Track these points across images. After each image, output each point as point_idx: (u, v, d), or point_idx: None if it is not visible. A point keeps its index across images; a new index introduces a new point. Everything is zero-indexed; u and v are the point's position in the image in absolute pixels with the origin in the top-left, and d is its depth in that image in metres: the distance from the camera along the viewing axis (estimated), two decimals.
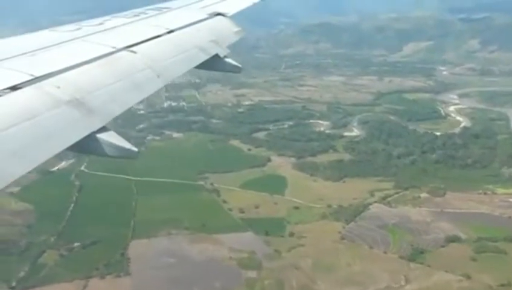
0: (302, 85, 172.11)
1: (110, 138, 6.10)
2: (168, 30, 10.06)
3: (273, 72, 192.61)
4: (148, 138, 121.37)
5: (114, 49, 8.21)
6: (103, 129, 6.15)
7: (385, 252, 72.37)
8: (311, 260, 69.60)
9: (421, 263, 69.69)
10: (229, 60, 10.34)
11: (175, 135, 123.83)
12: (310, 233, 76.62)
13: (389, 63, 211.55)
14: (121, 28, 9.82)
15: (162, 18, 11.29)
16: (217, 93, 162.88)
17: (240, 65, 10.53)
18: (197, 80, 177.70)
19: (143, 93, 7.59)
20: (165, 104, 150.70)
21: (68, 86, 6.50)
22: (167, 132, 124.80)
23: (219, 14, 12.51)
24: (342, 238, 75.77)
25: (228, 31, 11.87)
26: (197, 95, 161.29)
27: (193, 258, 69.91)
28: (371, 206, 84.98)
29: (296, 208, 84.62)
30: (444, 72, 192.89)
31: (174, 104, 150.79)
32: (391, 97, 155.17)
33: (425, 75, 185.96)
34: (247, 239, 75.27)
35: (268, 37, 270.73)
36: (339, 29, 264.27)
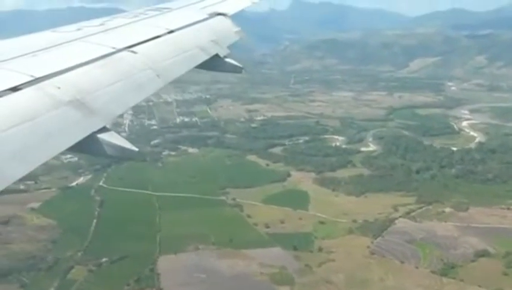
0: (313, 100, 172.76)
1: (111, 138, 6.00)
2: (168, 30, 10.01)
3: (283, 88, 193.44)
4: (164, 153, 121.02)
5: (114, 50, 8.17)
6: (104, 129, 6.06)
7: (416, 267, 71.72)
8: (343, 275, 68.91)
9: (454, 278, 69.07)
10: (229, 60, 10.18)
11: (190, 150, 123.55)
12: (338, 248, 75.94)
13: (397, 79, 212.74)
14: (121, 29, 9.77)
15: (162, 18, 11.27)
16: (229, 109, 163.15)
17: (240, 65, 10.33)
18: (208, 96, 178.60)
19: (143, 93, 7.53)
20: (178, 120, 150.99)
21: (69, 87, 6.46)
22: (182, 147, 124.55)
23: (219, 14, 12.40)
24: (372, 253, 75.12)
25: (228, 31, 11.78)
26: (209, 111, 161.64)
27: (223, 273, 69.15)
28: (396, 221, 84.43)
29: (322, 223, 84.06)
30: (453, 88, 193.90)
31: (186, 119, 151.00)
32: (403, 112, 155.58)
33: (435, 90, 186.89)
34: (275, 254, 74.55)
35: (274, 53, 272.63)
36: (345, 45, 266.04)
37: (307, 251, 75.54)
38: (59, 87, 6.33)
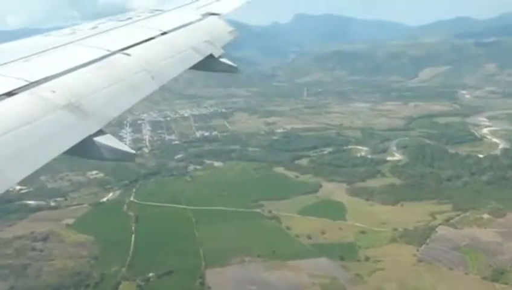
0: (329, 112, 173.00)
1: (108, 141, 6.02)
2: (161, 32, 10.04)
3: (297, 100, 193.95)
4: (190, 167, 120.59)
5: (108, 53, 8.18)
6: (100, 132, 6.08)
7: (466, 273, 71.28)
8: (395, 283, 68.44)
9: (506, 283, 68.57)
10: (224, 60, 10.12)
11: (216, 164, 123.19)
12: (385, 257, 75.49)
13: (409, 89, 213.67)
14: (114, 31, 9.78)
15: (156, 20, 11.26)
16: (247, 122, 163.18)
17: (235, 65, 10.26)
18: (223, 110, 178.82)
19: (139, 95, 7.52)
20: (198, 134, 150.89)
21: (63, 90, 6.45)
22: (208, 161, 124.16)
23: (212, 14, 12.38)
24: (419, 260, 74.67)
25: (222, 31, 11.72)
26: (227, 124, 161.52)
27: (275, 285, 68.55)
28: (437, 229, 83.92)
29: (362, 232, 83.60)
30: (467, 96, 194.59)
31: (206, 133, 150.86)
32: (422, 121, 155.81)
33: (449, 99, 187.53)
34: (323, 265, 74.01)
35: (283, 66, 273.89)
36: (352, 56, 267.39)
37: (354, 261, 75.00)
38: (54, 91, 6.31)
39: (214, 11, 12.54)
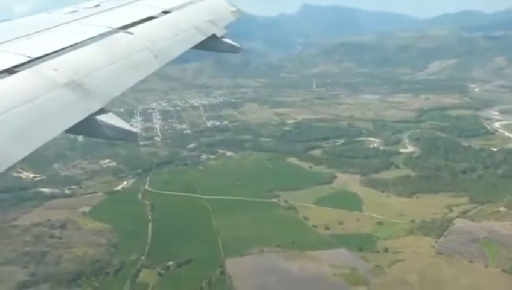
0: (339, 103, 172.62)
1: (109, 119, 5.97)
2: (164, 11, 9.98)
3: (307, 91, 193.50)
4: (203, 157, 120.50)
5: (111, 31, 8.13)
6: (102, 111, 6.03)
7: (486, 266, 71.17)
8: (415, 274, 68.36)
9: None
10: (226, 40, 10.06)
11: (229, 153, 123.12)
12: (404, 248, 75.47)
13: (418, 81, 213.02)
14: (117, 10, 9.69)
15: None
16: (257, 112, 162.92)
17: (237, 45, 10.17)
18: (233, 100, 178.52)
19: (141, 74, 7.47)
20: (208, 124, 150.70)
21: (65, 69, 6.42)
22: (220, 151, 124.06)
23: None
24: (438, 252, 74.66)
25: (225, 11, 11.67)
26: (238, 115, 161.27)
27: (296, 275, 68.51)
28: (454, 221, 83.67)
29: (380, 223, 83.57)
30: (476, 89, 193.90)
31: (217, 123, 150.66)
32: (433, 114, 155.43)
33: (459, 92, 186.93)
34: (342, 255, 73.98)
35: (290, 57, 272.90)
36: (361, 48, 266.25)
37: (373, 252, 74.99)
38: (56, 69, 6.27)
39: None
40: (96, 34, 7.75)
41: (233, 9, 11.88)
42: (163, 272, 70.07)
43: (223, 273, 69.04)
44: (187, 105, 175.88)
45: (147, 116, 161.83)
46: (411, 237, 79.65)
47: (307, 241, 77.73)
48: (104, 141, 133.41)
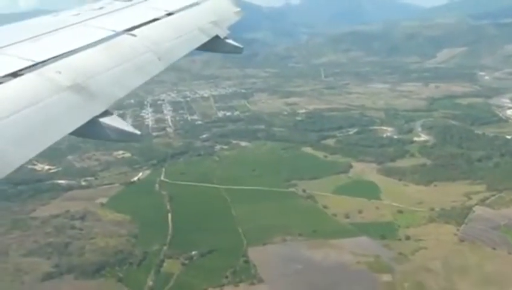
0: (349, 93, 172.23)
1: (113, 121, 6.05)
2: (167, 12, 10.05)
3: (316, 81, 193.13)
4: (217, 147, 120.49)
5: (114, 33, 8.19)
6: (106, 113, 6.10)
7: (509, 253, 71.04)
8: (439, 262, 68.37)
9: None
10: (229, 40, 10.17)
11: (242, 143, 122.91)
12: (425, 236, 75.43)
13: (427, 69, 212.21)
14: (121, 12, 9.79)
15: (162, 0, 11.23)
16: (267, 102, 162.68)
17: (241, 46, 10.30)
18: (243, 90, 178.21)
19: (145, 76, 7.54)
20: (220, 114, 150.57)
21: (69, 71, 6.48)
22: (233, 141, 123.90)
23: None
24: (461, 240, 74.58)
25: (228, 11, 11.77)
26: (248, 105, 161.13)
27: (320, 263, 68.60)
28: (474, 209, 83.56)
29: (400, 212, 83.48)
30: (486, 77, 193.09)
31: (228, 113, 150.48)
32: (444, 102, 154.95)
33: (468, 80, 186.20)
34: (364, 243, 74.01)
35: (297, 47, 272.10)
36: (368, 37, 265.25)
37: (395, 240, 74.96)
38: (60, 72, 6.32)
39: None
40: (100, 36, 7.84)
41: (237, 9, 11.99)
42: (186, 262, 70.09)
43: (247, 262, 69.11)
44: (197, 96, 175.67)
45: (157, 108, 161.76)
46: (432, 224, 79.50)
47: (328, 230, 77.77)
48: None
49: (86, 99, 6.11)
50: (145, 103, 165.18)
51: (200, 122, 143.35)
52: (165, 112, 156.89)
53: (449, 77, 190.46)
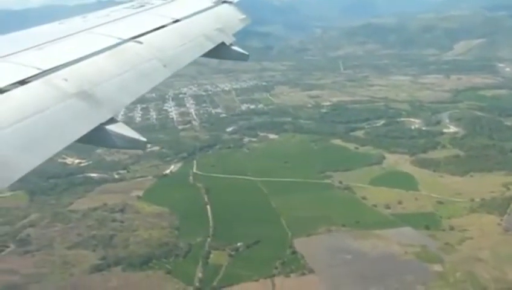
0: (371, 85, 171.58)
1: (119, 129, 6.08)
2: (173, 20, 10.07)
3: (335, 74, 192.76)
4: (245, 139, 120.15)
5: (120, 41, 8.22)
6: (112, 120, 6.13)
7: None
8: (488, 251, 68.07)
9: None
10: (235, 47, 10.23)
11: (270, 136, 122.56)
12: (470, 226, 75.08)
13: (446, 62, 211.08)
14: (126, 19, 9.84)
15: (168, 8, 11.31)
16: (290, 95, 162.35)
17: (246, 52, 10.36)
18: (264, 83, 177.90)
19: (150, 83, 7.59)
20: (243, 107, 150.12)
21: (76, 79, 6.53)
22: (261, 134, 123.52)
23: (224, 2, 12.44)
24: (506, 230, 74.27)
25: (234, 18, 11.80)
26: (270, 98, 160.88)
27: (367, 253, 68.40)
28: None
29: (440, 202, 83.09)
30: (507, 69, 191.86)
31: (252, 106, 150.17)
32: (468, 94, 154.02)
33: (489, 72, 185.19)
34: (409, 234, 73.77)
35: (312, 40, 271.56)
36: (383, 30, 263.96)
37: (439, 230, 74.67)
38: (66, 80, 6.37)
39: None
40: (106, 44, 7.89)
41: (242, 16, 11.96)
42: (233, 253, 69.96)
43: (294, 253, 68.97)
44: (218, 89, 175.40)
45: (179, 101, 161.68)
46: (474, 215, 79.13)
47: (371, 221, 77.52)
48: (145, 125, 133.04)
49: (92, 107, 6.16)
50: (167, 96, 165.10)
51: (224, 115, 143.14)
52: (187, 105, 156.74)
53: (469, 69, 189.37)
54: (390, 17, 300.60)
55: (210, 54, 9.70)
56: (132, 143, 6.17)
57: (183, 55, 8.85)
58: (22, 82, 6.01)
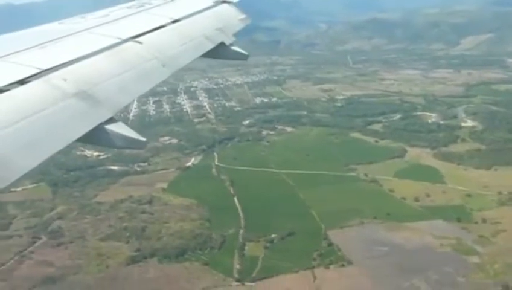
0: (382, 79, 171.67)
1: (118, 128, 6.11)
2: (172, 19, 10.11)
3: (345, 68, 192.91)
4: (263, 132, 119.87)
5: (120, 41, 8.26)
6: (111, 120, 6.15)
7: None
8: None
9: None
10: (235, 47, 10.27)
11: (288, 129, 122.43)
12: (502, 219, 74.96)
13: (455, 56, 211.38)
14: (126, 19, 9.88)
15: (167, 8, 11.35)
16: (302, 89, 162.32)
17: (246, 52, 10.42)
18: (274, 77, 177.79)
19: (150, 83, 7.63)
20: (257, 101, 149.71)
21: (75, 79, 6.57)
22: (279, 127, 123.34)
23: (224, 2, 12.49)
24: None
25: (233, 18, 11.85)
26: (283, 91, 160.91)
27: (404, 245, 68.39)
28: None
29: (468, 195, 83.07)
30: None
31: (265, 100, 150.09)
32: (481, 89, 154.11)
33: (499, 67, 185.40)
34: (441, 226, 73.76)
35: (318, 35, 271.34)
36: (389, 25, 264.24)
37: (471, 223, 74.56)
38: (65, 79, 6.40)
39: None
40: (105, 44, 7.92)
41: (242, 16, 11.97)
42: (268, 245, 69.82)
43: (330, 245, 68.88)
44: (229, 83, 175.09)
45: (191, 94, 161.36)
46: (504, 207, 79.12)
47: (401, 213, 77.53)
48: (160, 118, 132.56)
49: (91, 106, 6.17)
50: (178, 90, 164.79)
51: (239, 108, 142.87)
52: (200, 98, 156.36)
53: (478, 63, 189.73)
54: (395, 12, 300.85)
55: (210, 54, 9.71)
56: (132, 143, 6.15)
57: (182, 55, 8.87)
58: (22, 82, 6.01)
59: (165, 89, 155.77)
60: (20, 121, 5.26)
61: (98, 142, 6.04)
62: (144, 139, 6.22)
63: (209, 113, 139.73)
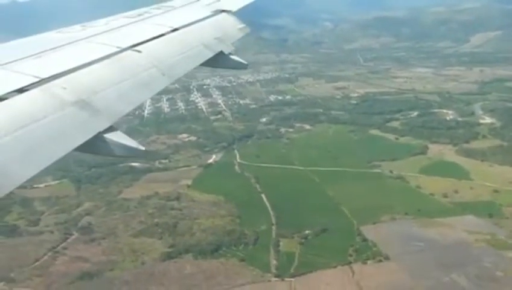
0: (395, 77, 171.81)
1: (117, 137, 6.07)
2: (172, 28, 10.16)
3: (356, 66, 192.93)
4: (282, 130, 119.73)
5: (119, 49, 8.28)
6: (110, 129, 6.13)
7: None
8: None
9: None
10: (234, 56, 10.29)
11: (306, 126, 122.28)
12: None
13: (464, 54, 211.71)
14: (125, 28, 9.89)
15: (166, 17, 11.40)
16: (315, 87, 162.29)
17: (245, 62, 10.42)
18: (286, 75, 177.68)
19: (149, 92, 7.67)
20: (271, 98, 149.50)
21: (74, 87, 6.57)
22: (297, 124, 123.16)
23: (223, 11, 12.54)
24: None
25: (232, 27, 11.91)
26: (296, 89, 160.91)
27: (438, 241, 68.28)
28: None
29: (496, 191, 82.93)
30: None
31: (279, 97, 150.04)
32: (495, 86, 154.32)
33: (510, 64, 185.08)
34: (473, 222, 73.65)
35: (325, 33, 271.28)
36: (396, 23, 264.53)
37: (503, 218, 74.48)
38: (65, 88, 6.40)
39: (224, 8, 12.67)
40: (104, 53, 7.92)
41: (241, 25, 12.00)
42: (303, 241, 69.61)
43: (365, 240, 68.70)
44: (241, 81, 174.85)
45: (204, 92, 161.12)
46: None
47: (432, 209, 77.36)
48: (175, 115, 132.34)
49: (90, 115, 6.15)
50: (191, 88, 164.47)
51: (254, 106, 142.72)
52: (214, 96, 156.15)
53: (489, 61, 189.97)
54: (401, 10, 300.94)
55: (209, 62, 9.70)
56: (131, 151, 6.09)
57: (181, 64, 8.89)
58: (20, 90, 5.99)
59: (177, 86, 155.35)
60: (19, 130, 5.23)
61: (97, 151, 6.02)
62: (143, 148, 6.18)
63: (224, 110, 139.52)
